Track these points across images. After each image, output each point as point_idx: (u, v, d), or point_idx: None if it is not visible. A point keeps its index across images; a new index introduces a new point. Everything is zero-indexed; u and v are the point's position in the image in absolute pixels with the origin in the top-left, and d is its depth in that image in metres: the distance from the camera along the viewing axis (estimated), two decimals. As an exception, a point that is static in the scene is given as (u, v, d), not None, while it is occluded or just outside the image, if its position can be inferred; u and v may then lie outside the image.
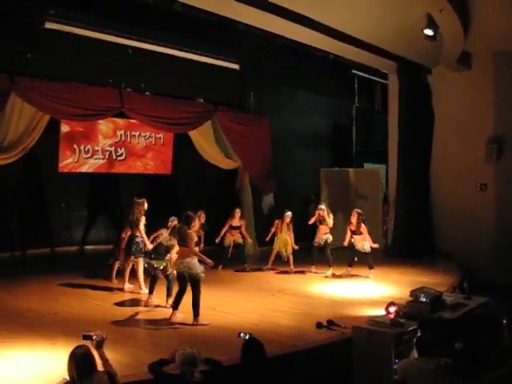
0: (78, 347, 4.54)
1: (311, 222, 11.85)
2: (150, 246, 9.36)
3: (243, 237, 12.45)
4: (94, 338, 4.71)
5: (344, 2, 10.43)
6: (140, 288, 9.67)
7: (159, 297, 8.92)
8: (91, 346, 4.67)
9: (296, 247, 11.94)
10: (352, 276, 11.37)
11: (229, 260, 12.15)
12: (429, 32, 11.18)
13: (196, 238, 8.09)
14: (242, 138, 14.00)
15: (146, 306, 8.87)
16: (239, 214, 12.23)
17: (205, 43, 13.25)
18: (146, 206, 9.80)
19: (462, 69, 14.09)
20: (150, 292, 9.02)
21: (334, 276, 11.44)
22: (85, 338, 4.71)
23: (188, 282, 7.86)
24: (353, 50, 12.72)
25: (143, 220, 9.69)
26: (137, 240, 9.65)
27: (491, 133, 13.88)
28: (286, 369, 6.12)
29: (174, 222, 9.90)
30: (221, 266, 11.90)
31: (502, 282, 11.65)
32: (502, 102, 13.77)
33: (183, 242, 7.90)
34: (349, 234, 11.41)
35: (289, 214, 11.99)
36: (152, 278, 9.09)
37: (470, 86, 14.23)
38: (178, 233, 8.12)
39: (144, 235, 9.58)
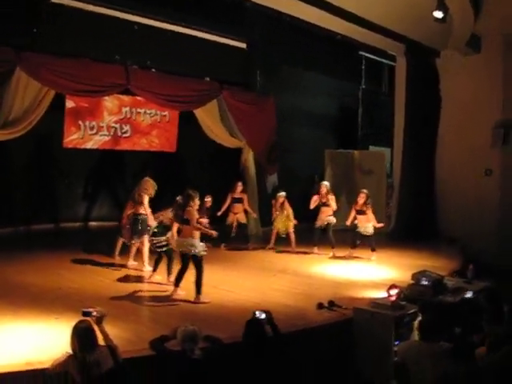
0: (80, 322, 4.59)
1: (312, 206, 11.77)
2: (152, 222, 9.39)
3: (247, 213, 12.47)
4: (94, 314, 4.75)
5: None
6: (143, 265, 9.71)
7: (162, 274, 8.96)
8: (92, 321, 4.71)
9: (295, 222, 11.90)
10: (354, 258, 11.40)
11: (231, 239, 12.20)
12: (438, 14, 11.07)
13: (197, 215, 8.04)
14: (247, 117, 13.95)
15: (147, 282, 8.91)
16: (241, 187, 12.25)
17: (212, 21, 13.13)
18: (150, 184, 9.81)
19: (471, 52, 13.98)
20: (154, 270, 9.06)
21: (336, 257, 11.45)
22: (84, 314, 4.74)
23: (190, 260, 7.89)
24: (361, 30, 12.60)
25: (147, 197, 9.70)
26: (140, 218, 9.65)
27: (498, 117, 13.81)
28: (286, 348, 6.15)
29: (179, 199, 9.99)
30: (223, 245, 11.96)
31: (504, 267, 11.68)
32: (511, 87, 13.66)
33: (184, 220, 7.91)
34: (353, 213, 11.40)
35: (281, 194, 12.00)
36: (157, 256, 9.11)
37: (479, 69, 14.13)
38: (179, 210, 8.11)
39: (148, 211, 9.59)
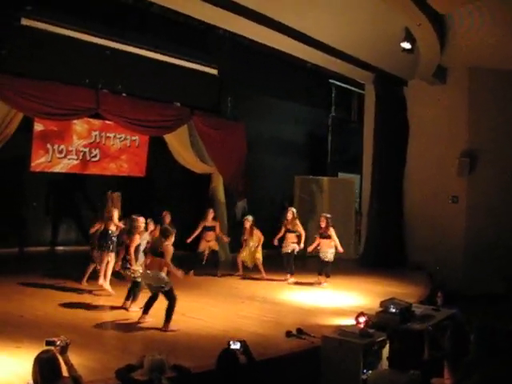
0: (43, 352, 4.45)
1: (278, 236, 11.76)
2: (119, 225, 9.53)
3: (219, 238, 12.39)
4: (58, 343, 4.61)
5: (323, 13, 10.49)
6: (104, 282, 9.51)
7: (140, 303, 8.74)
8: (55, 351, 4.58)
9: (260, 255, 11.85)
10: (305, 284, 11.37)
11: (202, 266, 12.09)
12: (406, 45, 11.32)
13: (172, 252, 7.99)
14: (217, 142, 13.95)
15: (121, 309, 8.70)
16: (212, 215, 12.13)
17: (183, 47, 13.20)
18: (119, 199, 9.78)
19: (437, 82, 14.32)
20: (128, 298, 8.78)
21: (297, 284, 11.42)
22: (48, 343, 4.60)
23: (159, 293, 7.82)
24: (331, 59, 12.81)
25: (117, 213, 9.60)
26: (110, 234, 9.55)
27: (464, 147, 14.11)
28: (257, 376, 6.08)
29: (150, 224, 10.06)
30: (192, 272, 11.83)
31: (470, 293, 11.83)
32: (476, 117, 14.02)
33: (157, 252, 7.84)
34: (317, 239, 11.43)
35: (248, 217, 11.96)
36: (131, 284, 8.84)
37: (445, 99, 14.47)
38: (154, 242, 8.08)
39: (117, 222, 9.58)
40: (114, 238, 9.60)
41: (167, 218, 11.20)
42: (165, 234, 7.94)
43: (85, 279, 10.16)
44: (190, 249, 12.11)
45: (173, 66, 13.19)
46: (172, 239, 7.96)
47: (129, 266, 8.74)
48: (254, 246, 11.80)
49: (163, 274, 7.86)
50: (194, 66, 13.75)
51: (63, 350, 4.63)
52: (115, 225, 9.58)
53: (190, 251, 12.16)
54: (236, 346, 5.24)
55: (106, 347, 6.98)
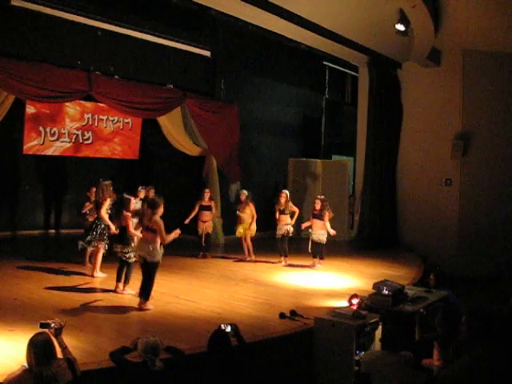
0: (37, 334, 4.47)
1: (277, 216, 11.74)
2: (113, 229, 9.25)
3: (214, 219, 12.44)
4: (52, 325, 4.63)
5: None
6: (94, 271, 9.56)
7: (130, 284, 8.71)
8: (50, 333, 4.60)
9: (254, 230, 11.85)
10: (299, 266, 11.43)
11: (204, 248, 12.14)
12: (400, 27, 11.28)
13: (162, 224, 7.91)
14: (210, 125, 13.92)
15: (118, 293, 8.66)
16: (209, 194, 12.14)
17: (177, 29, 13.11)
18: (111, 188, 9.69)
19: (431, 65, 14.30)
20: (119, 280, 8.73)
21: (291, 266, 11.47)
22: (42, 326, 4.62)
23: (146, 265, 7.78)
24: (324, 41, 12.73)
25: (107, 203, 9.56)
26: (99, 224, 9.54)
27: (458, 129, 14.13)
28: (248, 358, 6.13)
29: (141, 192, 10.35)
30: (201, 254, 11.94)
31: (463, 275, 11.92)
32: (470, 100, 14.03)
33: (149, 228, 7.79)
34: (310, 221, 11.44)
35: (244, 191, 11.91)
36: (120, 265, 8.77)
37: (439, 82, 14.46)
38: (143, 217, 7.96)
39: (106, 218, 9.45)
40: (104, 229, 9.57)
41: (151, 194, 11.11)
42: (153, 206, 7.77)
43: (87, 261, 10.21)
44: (191, 232, 12.15)
45: (166, 47, 13.12)
46: (161, 210, 7.81)
47: (124, 246, 8.69)
48: (247, 222, 11.81)
49: (157, 246, 7.71)
50: (187, 47, 13.68)
51: (57, 332, 4.65)
52: (102, 214, 9.52)
53: (191, 235, 12.22)
54: (227, 329, 5.29)
55: (100, 330, 7.01)
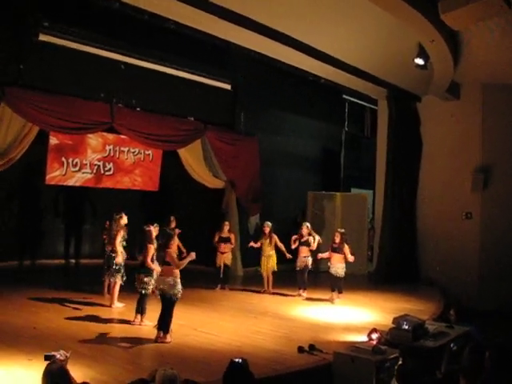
0: (52, 363, 4.43)
1: (293, 246, 11.70)
2: (119, 260, 9.51)
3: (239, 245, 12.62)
4: (58, 357, 4.59)
5: (337, 28, 10.54)
6: (112, 303, 9.64)
7: (149, 316, 8.69)
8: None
9: (289, 256, 11.73)
10: (318, 300, 11.34)
11: (220, 280, 12.12)
12: (419, 61, 11.34)
13: (175, 254, 7.98)
14: (230, 157, 14.02)
15: (136, 325, 8.63)
16: (228, 227, 12.18)
17: (198, 62, 13.31)
18: (123, 221, 9.80)
19: (451, 98, 14.31)
20: (138, 311, 8.72)
21: (309, 299, 11.38)
22: (47, 358, 4.58)
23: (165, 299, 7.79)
24: (344, 75, 12.84)
25: (120, 235, 9.68)
26: (114, 257, 9.65)
27: (478, 162, 14.04)
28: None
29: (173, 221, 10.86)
30: (219, 286, 11.94)
31: (484, 309, 11.71)
32: (490, 133, 13.96)
33: (166, 261, 7.83)
34: (329, 254, 11.36)
35: (268, 223, 11.92)
36: (140, 296, 8.77)
37: (459, 115, 14.44)
38: (161, 252, 8.02)
39: (118, 248, 9.60)
40: (120, 260, 9.67)
41: (173, 223, 11.28)
42: (166, 239, 7.87)
43: (105, 291, 10.25)
44: (209, 264, 12.17)
45: (187, 80, 13.31)
46: (174, 242, 7.91)
47: (143, 277, 8.70)
48: (269, 253, 11.78)
49: (178, 280, 7.77)
50: (208, 81, 13.86)
51: (62, 364, 4.60)
52: (115, 245, 9.64)
53: (209, 266, 12.23)
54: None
55: (117, 361, 6.97)
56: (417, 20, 9.27)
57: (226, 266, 12.18)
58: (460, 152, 14.35)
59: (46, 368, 4.39)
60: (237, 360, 5.22)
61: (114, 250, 9.72)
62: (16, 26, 10.45)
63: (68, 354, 4.68)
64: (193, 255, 7.85)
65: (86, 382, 4.60)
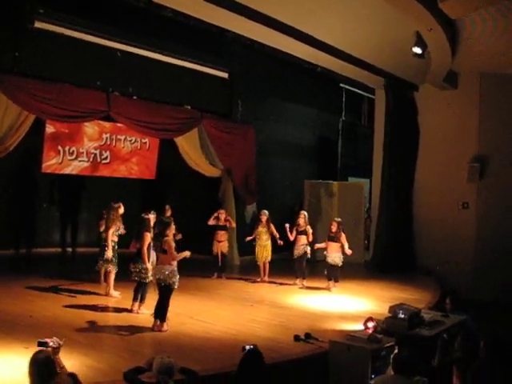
0: (37, 352, 4.41)
1: (292, 237, 11.68)
2: (109, 254, 9.47)
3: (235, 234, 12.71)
4: (50, 344, 4.59)
5: (334, 16, 10.49)
6: (108, 291, 9.65)
7: (146, 304, 8.69)
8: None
9: (280, 242, 11.81)
10: (315, 288, 11.36)
11: (219, 268, 12.14)
12: (417, 50, 11.29)
13: (174, 244, 7.97)
14: (227, 146, 14.00)
15: (135, 313, 8.63)
16: (224, 215, 12.19)
17: (194, 50, 13.25)
18: (121, 211, 9.76)
19: (448, 87, 14.29)
20: (136, 299, 8.74)
21: (307, 288, 11.42)
22: (40, 344, 4.59)
23: (162, 288, 7.80)
24: (341, 63, 12.81)
25: (116, 225, 9.65)
26: (107, 246, 9.62)
27: (475, 152, 14.06)
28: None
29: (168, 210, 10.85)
30: (216, 274, 11.97)
31: (479, 299, 11.76)
32: (487, 123, 13.97)
33: (163, 249, 7.83)
34: (325, 243, 11.39)
35: (265, 211, 11.93)
36: (137, 285, 8.78)
37: (456, 104, 14.44)
38: (157, 240, 7.98)
39: (109, 241, 9.54)
40: (110, 255, 9.62)
41: (168, 212, 11.30)
42: (163, 227, 7.87)
43: (101, 279, 10.21)
44: (207, 252, 12.17)
45: (183, 68, 13.25)
46: (171, 230, 7.90)
47: (140, 266, 8.70)
48: (265, 242, 11.79)
49: (175, 269, 7.76)
50: (205, 69, 13.80)
51: (55, 352, 4.60)
52: (107, 236, 9.61)
53: (207, 255, 12.23)
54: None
55: (114, 349, 7.00)
56: (414, 8, 9.24)
57: (223, 254, 12.19)
58: (457, 142, 14.37)
59: (33, 356, 4.38)
60: (249, 347, 5.23)
61: (106, 241, 9.66)
62: (11, 12, 10.35)
63: (61, 342, 4.67)
64: (187, 254, 7.86)
65: (73, 372, 4.59)
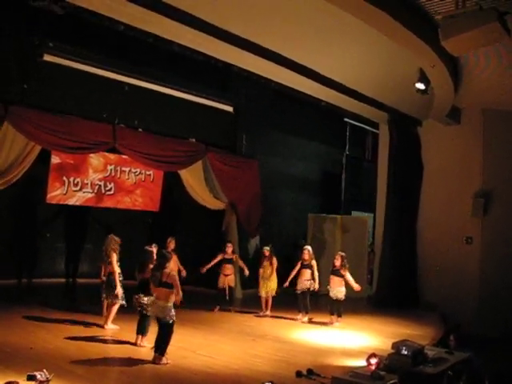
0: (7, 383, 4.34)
1: (295, 272, 11.63)
2: (119, 290, 9.35)
3: (238, 270, 12.52)
4: (38, 377, 4.55)
5: (338, 53, 10.63)
6: (105, 323, 9.53)
7: (147, 337, 8.62)
8: None
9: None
10: (317, 323, 11.28)
11: (226, 302, 12.06)
12: (420, 86, 11.41)
13: (175, 276, 7.93)
14: (231, 179, 14.05)
15: (138, 346, 8.55)
16: (231, 248, 12.19)
17: (200, 84, 13.42)
18: (118, 241, 9.76)
19: (451, 123, 14.38)
20: (139, 332, 8.62)
21: (310, 323, 11.34)
22: (29, 378, 4.56)
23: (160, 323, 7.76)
24: (345, 99, 12.92)
25: (115, 255, 9.62)
26: (113, 279, 9.54)
27: (479, 187, 14.05)
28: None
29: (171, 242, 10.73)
30: (217, 308, 11.91)
31: (484, 335, 11.63)
32: (490, 157, 14.00)
33: (162, 283, 7.77)
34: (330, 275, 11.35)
35: (266, 248, 11.92)
36: (140, 317, 8.66)
37: (459, 140, 14.49)
38: (156, 273, 7.92)
39: (116, 275, 9.47)
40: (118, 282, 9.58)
41: (171, 245, 11.26)
42: (163, 260, 7.85)
43: (104, 312, 10.05)
44: (210, 286, 12.12)
45: (188, 102, 13.41)
46: (170, 263, 7.90)
47: (143, 298, 8.63)
48: (269, 275, 11.74)
49: (170, 305, 7.73)
50: (210, 102, 13.97)
51: None
52: (113, 268, 9.56)
53: (210, 288, 12.18)
54: None
55: (114, 382, 6.95)
56: (417, 45, 9.36)
57: (230, 287, 12.14)
58: (460, 176, 14.38)
59: None
60: None
61: (111, 273, 9.59)
62: (21, 45, 10.56)
63: (50, 377, 4.62)
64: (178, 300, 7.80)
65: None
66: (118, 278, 9.45)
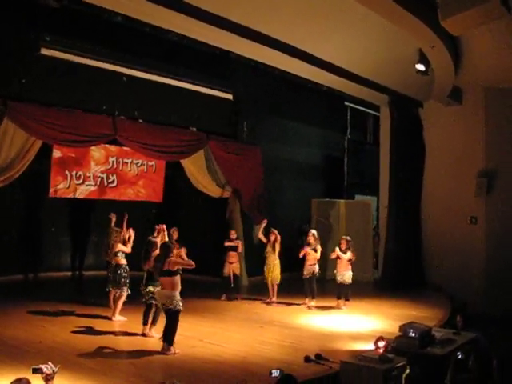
0: (17, 380, 4.34)
1: (301, 255, 11.67)
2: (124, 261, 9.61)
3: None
4: (44, 370, 4.55)
5: (337, 36, 10.56)
6: (113, 315, 9.58)
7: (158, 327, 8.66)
8: (41, 379, 4.51)
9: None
10: (325, 308, 11.31)
11: (231, 289, 12.07)
12: (420, 67, 11.34)
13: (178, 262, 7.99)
14: (233, 167, 14.02)
15: (141, 336, 8.60)
16: (235, 235, 12.22)
17: (199, 73, 13.34)
18: (119, 231, 9.84)
19: (453, 103, 14.30)
20: (145, 323, 8.68)
21: (317, 308, 11.35)
22: (34, 371, 4.55)
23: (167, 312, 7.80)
24: (345, 82, 12.85)
25: (119, 246, 9.71)
26: (121, 270, 9.61)
27: (482, 167, 14.01)
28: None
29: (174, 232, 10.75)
30: (224, 296, 11.94)
31: (490, 314, 11.63)
32: (493, 137, 13.93)
33: (164, 272, 7.80)
34: (337, 251, 11.36)
35: (273, 230, 11.87)
36: (146, 307, 8.72)
37: (461, 120, 14.42)
38: (158, 263, 7.97)
39: (121, 257, 9.66)
40: (124, 272, 9.66)
41: (175, 235, 11.24)
42: (166, 251, 7.93)
43: (111, 303, 10.09)
44: (215, 274, 12.13)
45: (188, 91, 13.33)
46: (173, 254, 7.98)
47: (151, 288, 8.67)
48: (274, 262, 11.72)
49: (177, 293, 7.78)
50: (210, 91, 13.87)
51: (49, 378, 4.54)
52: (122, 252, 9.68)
53: (216, 276, 12.18)
54: (276, 374, 5.26)
55: (124, 374, 6.96)
56: (417, 26, 9.28)
57: (235, 275, 12.16)
58: (463, 157, 14.33)
59: None
60: (276, 371, 5.20)
61: (117, 264, 9.67)
62: (18, 40, 10.50)
63: (55, 368, 4.62)
64: (192, 264, 7.95)
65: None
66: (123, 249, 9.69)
